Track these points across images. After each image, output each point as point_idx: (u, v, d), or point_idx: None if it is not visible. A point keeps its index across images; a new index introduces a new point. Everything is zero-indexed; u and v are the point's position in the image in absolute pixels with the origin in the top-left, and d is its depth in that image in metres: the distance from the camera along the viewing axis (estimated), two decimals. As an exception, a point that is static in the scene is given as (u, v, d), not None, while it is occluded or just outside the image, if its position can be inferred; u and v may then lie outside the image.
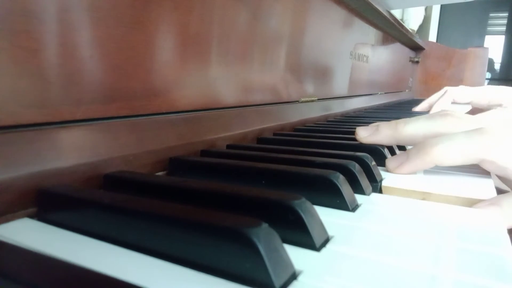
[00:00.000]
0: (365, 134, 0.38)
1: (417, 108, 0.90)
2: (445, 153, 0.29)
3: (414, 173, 0.32)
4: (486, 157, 0.28)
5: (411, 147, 0.33)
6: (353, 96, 0.88)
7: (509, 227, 0.24)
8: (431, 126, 0.35)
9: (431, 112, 0.88)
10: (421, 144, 0.31)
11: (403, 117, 0.38)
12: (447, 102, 0.83)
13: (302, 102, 0.60)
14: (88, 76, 0.25)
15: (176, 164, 0.30)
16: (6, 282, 0.14)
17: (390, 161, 0.34)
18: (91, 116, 0.26)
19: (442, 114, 0.35)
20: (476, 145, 0.28)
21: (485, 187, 0.30)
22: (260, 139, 0.45)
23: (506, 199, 0.25)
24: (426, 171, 0.34)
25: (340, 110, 0.78)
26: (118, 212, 0.18)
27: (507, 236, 0.20)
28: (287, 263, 0.15)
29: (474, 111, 0.88)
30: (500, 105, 0.75)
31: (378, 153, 0.36)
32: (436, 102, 0.85)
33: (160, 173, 0.30)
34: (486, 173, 0.33)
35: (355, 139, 0.39)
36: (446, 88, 0.85)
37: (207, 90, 0.37)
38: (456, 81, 1.61)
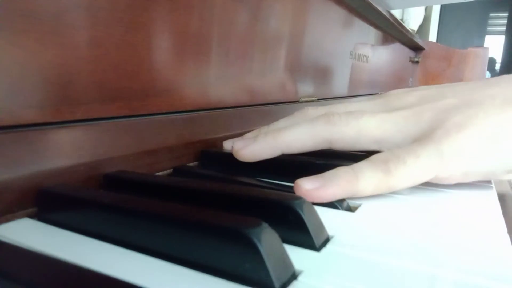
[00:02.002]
0: (240, 146, 0.30)
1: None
2: (291, 138, 0.29)
3: (258, 157, 0.30)
4: (332, 136, 0.29)
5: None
6: (353, 96, 0.88)
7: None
8: (313, 130, 0.31)
9: None
10: (271, 128, 0.33)
11: None
12: None
13: (302, 102, 0.60)
14: (88, 76, 0.25)
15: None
16: (6, 282, 0.14)
17: (235, 141, 0.31)
18: (91, 116, 0.26)
19: (325, 114, 0.31)
20: (321, 128, 0.29)
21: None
22: (260, 139, 0.45)
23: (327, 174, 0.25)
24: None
25: (340, 110, 0.78)
26: (118, 212, 0.18)
27: (507, 236, 0.20)
28: (287, 263, 0.15)
29: None
30: None
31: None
32: None
33: (160, 173, 0.30)
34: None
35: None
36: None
37: (207, 90, 0.37)
38: (456, 81, 1.60)
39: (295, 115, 0.35)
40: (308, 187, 0.23)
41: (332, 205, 0.24)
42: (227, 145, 0.35)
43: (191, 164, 0.33)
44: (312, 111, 0.34)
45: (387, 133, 0.29)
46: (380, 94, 0.34)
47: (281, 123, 0.34)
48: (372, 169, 0.25)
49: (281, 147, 0.30)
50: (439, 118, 0.27)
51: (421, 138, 0.27)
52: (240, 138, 0.34)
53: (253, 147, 0.30)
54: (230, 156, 0.31)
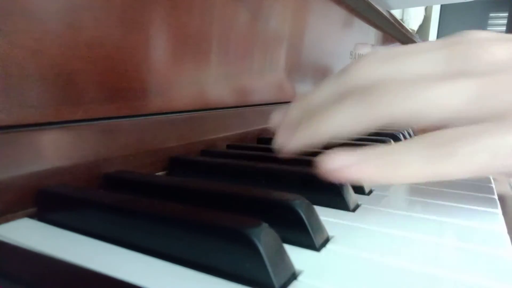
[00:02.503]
0: (280, 139, 0.25)
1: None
2: (340, 121, 0.22)
3: (301, 147, 0.23)
4: (392, 114, 0.21)
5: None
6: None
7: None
8: (336, 84, 0.24)
9: None
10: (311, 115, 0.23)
11: None
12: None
13: (302, 102, 0.60)
14: (88, 76, 0.25)
15: (177, 163, 0.30)
16: (6, 282, 0.14)
17: (278, 128, 0.26)
18: (91, 116, 0.26)
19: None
20: (379, 105, 0.21)
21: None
22: (260, 139, 0.45)
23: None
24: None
25: (340, 110, 0.78)
26: (118, 212, 0.18)
27: (507, 236, 0.20)
28: (287, 263, 0.15)
29: None
30: None
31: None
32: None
33: (160, 173, 0.30)
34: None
35: (354, 139, 0.39)
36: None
37: (207, 90, 0.37)
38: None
39: (339, 80, 0.24)
40: (340, 162, 0.19)
41: (332, 204, 0.24)
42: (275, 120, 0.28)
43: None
44: (358, 71, 0.24)
45: (464, 108, 0.20)
46: (454, 35, 0.24)
47: (324, 91, 0.25)
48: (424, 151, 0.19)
49: (329, 134, 0.22)
50: None
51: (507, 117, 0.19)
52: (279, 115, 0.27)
53: (294, 139, 0.23)
54: (229, 155, 0.30)
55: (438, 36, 3.04)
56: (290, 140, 0.24)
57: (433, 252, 0.18)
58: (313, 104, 0.24)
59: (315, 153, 0.33)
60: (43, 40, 0.22)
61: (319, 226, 0.19)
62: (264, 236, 0.14)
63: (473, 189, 0.29)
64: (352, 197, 0.25)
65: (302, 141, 0.23)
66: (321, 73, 0.68)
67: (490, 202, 0.26)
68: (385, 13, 0.90)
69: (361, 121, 0.22)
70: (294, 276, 0.15)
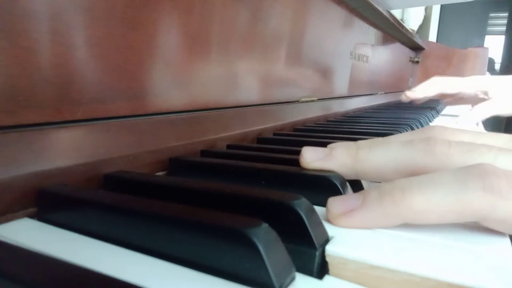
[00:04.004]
0: (313, 157, 0.26)
1: (410, 93, 0.86)
2: (426, 206, 0.19)
3: (369, 228, 0.21)
4: (491, 214, 0.18)
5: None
6: (353, 96, 0.88)
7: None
8: (407, 155, 0.23)
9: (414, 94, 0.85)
10: (387, 184, 0.20)
11: (402, 117, 0.32)
12: (434, 92, 0.83)
13: (302, 102, 0.60)
14: (88, 76, 0.25)
15: (176, 164, 0.30)
16: (6, 282, 0.14)
17: (334, 204, 0.21)
18: (91, 116, 0.26)
19: (426, 139, 0.23)
20: (476, 195, 0.18)
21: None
22: (260, 139, 0.45)
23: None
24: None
25: (340, 110, 0.78)
26: (118, 212, 0.18)
27: (507, 236, 0.20)
28: (287, 263, 0.15)
29: (461, 100, 0.89)
30: (486, 93, 0.77)
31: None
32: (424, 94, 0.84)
33: (160, 173, 0.30)
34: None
35: (354, 139, 0.39)
36: (433, 78, 0.85)
37: (207, 90, 0.37)
38: (456, 81, 1.61)
39: (406, 145, 0.23)
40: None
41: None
42: (308, 157, 0.26)
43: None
44: (444, 151, 0.22)
45: None
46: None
47: (389, 155, 0.24)
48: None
49: (406, 218, 0.19)
50: None
51: None
52: (339, 198, 0.22)
53: (362, 215, 0.20)
54: (229, 155, 0.30)
55: (438, 36, 3.04)
56: (352, 212, 0.21)
57: (433, 252, 0.18)
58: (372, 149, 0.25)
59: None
60: (43, 40, 0.22)
61: (319, 226, 0.19)
62: (264, 236, 0.14)
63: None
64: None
65: (371, 218, 0.20)
66: (321, 73, 0.68)
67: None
68: (385, 13, 0.90)
69: None
70: (294, 276, 0.15)
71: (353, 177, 0.25)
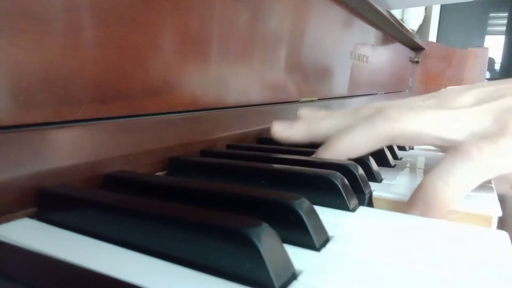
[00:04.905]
0: (278, 128, 0.36)
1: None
2: (352, 142, 0.29)
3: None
4: (394, 134, 0.28)
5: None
6: (353, 96, 0.88)
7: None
8: (343, 120, 0.33)
9: None
10: (327, 140, 0.32)
11: None
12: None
13: (302, 102, 0.60)
14: (88, 76, 0.25)
15: (176, 164, 0.30)
16: (6, 282, 0.14)
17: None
18: (91, 116, 0.26)
19: (356, 108, 0.34)
20: (380, 124, 0.28)
21: (488, 198, 0.27)
22: (260, 139, 0.45)
23: (418, 196, 0.25)
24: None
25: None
26: (118, 212, 0.18)
27: (507, 236, 0.20)
28: (287, 263, 0.15)
29: None
30: None
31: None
32: None
33: (160, 173, 0.30)
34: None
35: None
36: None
37: (207, 90, 0.37)
38: (456, 81, 1.61)
39: (345, 114, 0.34)
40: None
41: (332, 205, 0.24)
42: (276, 129, 0.36)
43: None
44: (364, 110, 0.33)
45: (451, 130, 0.28)
46: (432, 93, 0.34)
47: (333, 122, 0.34)
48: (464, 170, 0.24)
49: (343, 155, 0.30)
50: (502, 119, 0.26)
51: (488, 137, 0.26)
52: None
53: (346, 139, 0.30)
54: (229, 155, 0.30)
55: (438, 36, 3.04)
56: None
57: (433, 252, 0.18)
58: (316, 124, 0.35)
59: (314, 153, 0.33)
60: (43, 40, 0.22)
61: (319, 226, 0.19)
62: (264, 236, 0.14)
63: (473, 189, 0.29)
64: (353, 197, 0.25)
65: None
66: (321, 73, 0.68)
67: (490, 202, 0.26)
68: (385, 13, 0.90)
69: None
70: (294, 276, 0.15)
71: (311, 140, 0.36)
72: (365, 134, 0.29)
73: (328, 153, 0.30)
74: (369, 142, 0.29)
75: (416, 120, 0.28)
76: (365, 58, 0.94)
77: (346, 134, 0.30)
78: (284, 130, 0.36)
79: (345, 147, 0.30)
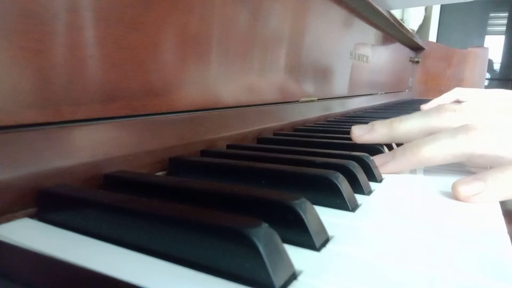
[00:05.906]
0: (360, 133, 0.37)
1: (425, 107, 0.88)
2: (432, 154, 0.30)
3: (399, 173, 0.33)
4: (474, 151, 0.29)
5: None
6: (353, 96, 0.88)
7: (492, 202, 0.26)
8: (426, 122, 0.34)
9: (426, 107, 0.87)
10: (408, 144, 0.32)
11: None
12: (450, 99, 0.82)
13: (302, 102, 0.60)
14: (88, 76, 0.25)
15: (176, 164, 0.30)
16: (6, 282, 0.14)
17: (375, 158, 0.33)
18: (91, 116, 0.26)
19: (438, 108, 0.34)
20: (463, 143, 0.29)
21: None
22: (260, 139, 0.45)
23: (492, 174, 0.26)
24: (428, 171, 0.34)
25: (340, 110, 0.78)
26: (118, 212, 0.18)
27: (507, 236, 0.20)
28: (287, 263, 0.15)
29: None
30: None
31: (378, 152, 0.36)
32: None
33: (160, 173, 0.30)
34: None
35: None
36: (457, 88, 0.83)
37: (207, 90, 0.37)
38: (456, 81, 1.61)
39: (427, 115, 0.34)
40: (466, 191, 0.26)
41: (332, 205, 0.24)
42: (357, 133, 0.37)
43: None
44: (448, 113, 0.33)
45: None
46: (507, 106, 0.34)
47: (414, 124, 0.34)
48: None
49: (422, 163, 0.31)
50: None
51: None
52: (380, 155, 0.34)
53: (393, 165, 0.32)
54: (229, 155, 0.30)
55: (438, 36, 3.04)
56: (386, 163, 0.33)
57: (433, 251, 0.18)
58: (399, 124, 0.35)
59: (314, 153, 0.33)
60: (43, 40, 0.22)
61: (319, 226, 0.19)
62: (264, 236, 0.14)
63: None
64: (352, 197, 0.25)
65: (399, 166, 0.32)
66: (321, 73, 0.68)
67: (490, 202, 0.26)
68: (385, 13, 0.90)
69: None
70: (294, 276, 0.15)
71: (391, 142, 0.38)
72: (446, 149, 0.29)
73: (408, 159, 0.31)
74: (448, 156, 0.30)
75: (497, 140, 0.28)
76: (365, 58, 0.94)
77: (428, 144, 0.30)
78: (365, 135, 0.37)
79: (425, 157, 0.30)
